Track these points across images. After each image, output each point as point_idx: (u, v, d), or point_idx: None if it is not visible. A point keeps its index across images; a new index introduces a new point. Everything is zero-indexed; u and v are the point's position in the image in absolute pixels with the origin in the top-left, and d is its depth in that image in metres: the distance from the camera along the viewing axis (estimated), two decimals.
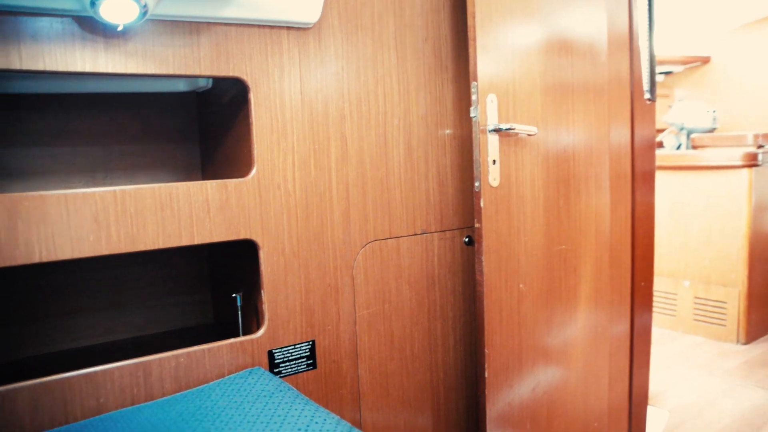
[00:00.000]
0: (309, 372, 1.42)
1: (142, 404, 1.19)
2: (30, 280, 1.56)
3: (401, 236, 1.54)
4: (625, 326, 2.03)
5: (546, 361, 1.66)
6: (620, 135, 1.91)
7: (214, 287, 1.79)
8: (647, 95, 1.94)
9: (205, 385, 1.25)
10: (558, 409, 1.72)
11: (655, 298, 3.59)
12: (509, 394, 1.56)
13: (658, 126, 3.99)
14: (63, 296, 1.61)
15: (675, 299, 3.53)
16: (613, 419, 2.04)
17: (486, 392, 1.49)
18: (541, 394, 1.66)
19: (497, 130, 1.43)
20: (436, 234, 1.59)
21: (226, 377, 1.28)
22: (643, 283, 2.05)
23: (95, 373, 1.16)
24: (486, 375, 1.48)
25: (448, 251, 1.62)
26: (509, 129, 1.43)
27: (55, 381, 1.12)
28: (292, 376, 1.40)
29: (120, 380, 1.19)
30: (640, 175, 1.98)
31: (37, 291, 1.57)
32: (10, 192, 1.29)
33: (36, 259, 1.09)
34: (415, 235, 1.56)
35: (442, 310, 1.63)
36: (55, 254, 1.11)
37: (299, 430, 1.00)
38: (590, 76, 1.70)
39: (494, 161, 1.45)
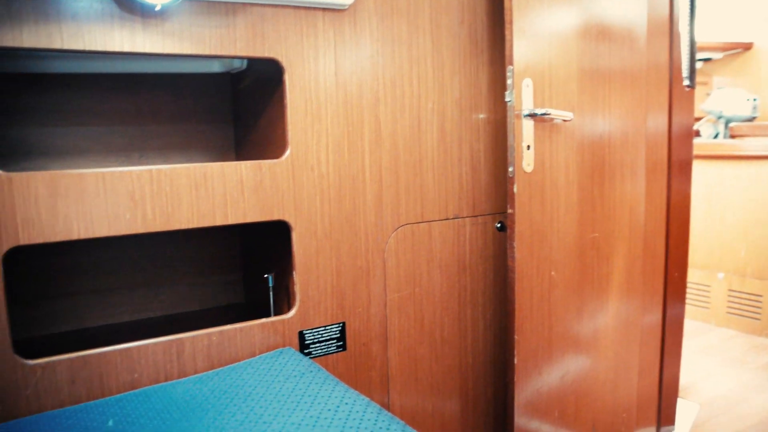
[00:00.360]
0: (339, 354, 1.42)
1: (176, 380, 1.20)
2: (69, 256, 1.58)
3: (433, 220, 1.53)
4: (656, 317, 2.01)
5: (576, 350, 1.65)
6: (657, 122, 1.88)
7: (245, 267, 1.79)
8: (686, 82, 1.91)
9: (237, 363, 1.26)
10: (586, 398, 1.71)
11: (687, 290, 3.54)
12: (538, 382, 1.55)
13: (695, 115, 3.90)
14: (100, 273, 1.63)
15: (708, 291, 3.47)
16: (642, 410, 2.02)
17: (515, 379, 1.48)
18: (569, 383, 1.65)
19: (532, 115, 1.42)
20: (468, 219, 1.58)
21: (258, 356, 1.28)
22: (676, 274, 2.02)
23: (131, 348, 1.18)
24: (515, 361, 1.48)
25: (479, 236, 1.61)
26: (544, 114, 1.41)
27: (93, 355, 1.14)
28: (322, 358, 1.40)
29: (154, 356, 1.20)
30: (677, 164, 1.95)
31: (75, 268, 1.59)
32: (49, 170, 1.31)
33: (75, 236, 1.11)
34: (447, 219, 1.55)
35: (473, 295, 1.62)
36: (93, 231, 1.12)
37: (329, 410, 1.00)
38: (628, 61, 1.67)
39: (528, 146, 1.43)
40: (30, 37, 1.05)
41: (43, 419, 1.04)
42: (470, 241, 1.60)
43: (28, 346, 1.46)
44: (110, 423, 1.01)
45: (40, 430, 0.99)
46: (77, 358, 1.13)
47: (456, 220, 1.56)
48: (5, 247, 1.06)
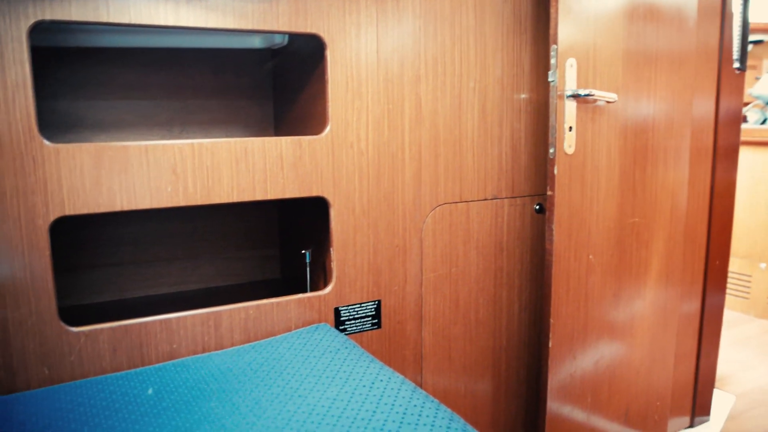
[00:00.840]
0: (373, 331, 1.42)
1: (213, 352, 1.21)
2: (111, 228, 1.60)
3: (472, 200, 1.52)
4: (695, 305, 1.98)
5: (611, 335, 1.63)
6: (704, 106, 1.84)
7: (282, 243, 1.80)
8: (736, 65, 1.85)
9: (273, 337, 1.27)
10: (620, 384, 1.69)
11: (728, 279, 3.46)
12: (572, 366, 1.54)
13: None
14: (141, 246, 1.64)
15: (749, 282, 3.40)
16: (677, 399, 2.01)
17: (548, 362, 1.48)
18: (603, 368, 1.63)
19: (575, 96, 1.40)
20: (506, 200, 1.57)
21: (293, 331, 1.29)
22: (717, 262, 1.98)
23: (170, 320, 1.19)
24: (550, 345, 1.47)
25: (517, 218, 1.60)
26: (588, 95, 1.39)
27: (133, 325, 1.16)
28: (357, 334, 1.41)
29: (192, 328, 1.22)
30: (723, 150, 1.91)
31: (117, 239, 1.61)
32: (94, 142, 1.34)
33: (117, 208, 1.12)
34: (486, 200, 1.53)
35: (509, 277, 1.61)
36: (135, 203, 1.13)
37: (364, 386, 1.00)
38: (676, 43, 1.64)
39: (570, 128, 1.41)
40: (78, 10, 1.06)
41: (86, 385, 1.06)
42: (508, 223, 1.58)
43: (72, 313, 1.49)
44: (150, 391, 1.03)
45: (84, 395, 1.02)
46: (119, 327, 1.15)
47: (495, 200, 1.55)
48: (52, 217, 1.08)
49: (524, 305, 1.66)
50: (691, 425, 2.11)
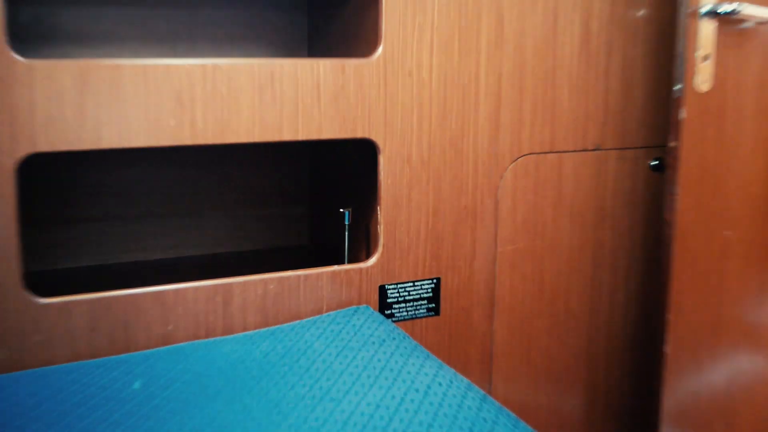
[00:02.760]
0: (429, 319, 1.43)
1: (220, 337, 1.22)
2: (95, 172, 1.61)
3: (566, 151, 1.51)
4: None
5: (753, 343, 1.61)
6: None
7: (314, 200, 1.81)
8: None
9: (298, 321, 1.27)
10: (764, 411, 1.67)
11: None
12: (696, 381, 1.53)
13: None
14: (132, 196, 1.65)
15: None
16: None
17: (664, 374, 1.47)
18: (741, 388, 1.61)
19: (714, 14, 1.37)
20: (613, 152, 1.56)
21: (325, 314, 1.30)
22: None
23: (164, 292, 1.20)
24: (666, 350, 1.46)
25: (627, 177, 1.59)
26: (732, 12, 1.36)
27: (117, 297, 1.17)
28: (408, 322, 1.42)
29: (194, 305, 1.22)
30: None
31: (102, 187, 1.62)
32: (78, 59, 1.32)
33: (105, 145, 1.13)
34: (585, 151, 1.53)
35: (613, 255, 1.61)
36: (128, 140, 1.14)
37: (416, 390, 0.99)
38: None
39: (706, 57, 1.39)
40: None
41: (56, 373, 1.06)
42: (614, 183, 1.58)
43: (41, 281, 1.50)
44: (136, 385, 1.03)
45: (53, 386, 1.01)
46: (99, 300, 1.15)
47: (597, 152, 1.55)
48: (21, 153, 1.08)
49: (632, 294, 1.65)
50: None
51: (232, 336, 1.23)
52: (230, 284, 1.25)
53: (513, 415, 0.97)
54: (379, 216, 1.37)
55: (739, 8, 1.36)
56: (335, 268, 1.33)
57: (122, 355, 1.14)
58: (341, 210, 1.49)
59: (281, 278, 1.29)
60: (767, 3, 1.45)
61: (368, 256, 1.41)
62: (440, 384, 1.02)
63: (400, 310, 1.41)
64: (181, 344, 1.19)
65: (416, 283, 1.41)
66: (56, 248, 1.60)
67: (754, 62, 1.48)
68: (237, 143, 1.23)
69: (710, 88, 1.42)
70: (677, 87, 1.39)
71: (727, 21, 1.41)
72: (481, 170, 1.44)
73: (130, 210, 1.66)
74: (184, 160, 1.70)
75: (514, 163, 1.47)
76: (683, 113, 1.39)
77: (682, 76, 1.38)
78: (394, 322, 1.40)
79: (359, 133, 1.32)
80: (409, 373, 1.05)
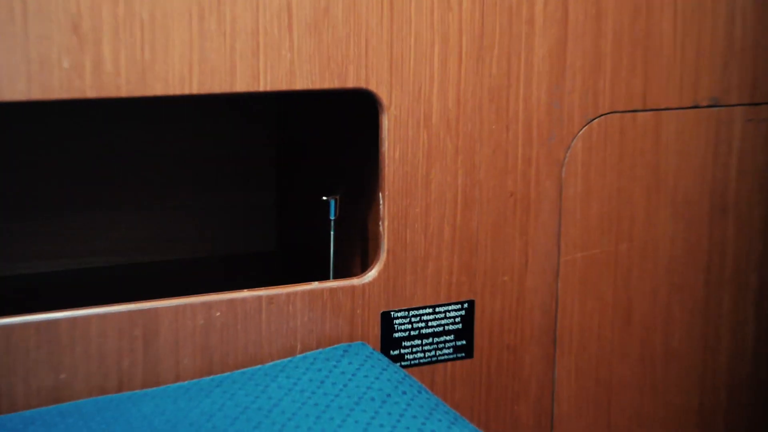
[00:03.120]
0: (458, 362, 1.29)
1: (139, 391, 1.09)
2: None
3: (666, 108, 1.37)
4: None
5: None
6: None
7: (282, 184, 1.72)
8: None
9: (259, 367, 1.13)
10: None
11: None
12: None
13: None
14: (13, 182, 1.58)
15: None
16: None
17: None
18: None
19: None
20: (737, 109, 1.42)
21: (300, 355, 1.16)
22: None
23: (56, 323, 1.05)
24: None
25: (759, 147, 1.46)
26: None
27: None
28: (425, 367, 1.27)
29: (101, 341, 1.08)
30: None
31: None
32: None
33: None
34: (697, 108, 1.40)
35: (736, 263, 1.49)
36: None
37: None
38: None
39: None
40: None
41: None
42: (739, 154, 1.45)
43: None
44: None
45: None
46: None
47: (714, 110, 1.43)
48: None
49: (765, 324, 1.56)
50: None
51: (157, 389, 1.08)
52: (156, 310, 1.10)
53: None
54: (381, 207, 1.22)
55: None
56: (315, 285, 1.18)
57: None
58: (324, 198, 1.36)
59: (233, 301, 1.14)
60: None
61: (365, 267, 1.28)
62: None
63: (414, 349, 1.25)
64: (80, 401, 1.05)
65: (438, 309, 1.25)
66: None
67: None
68: (165, 97, 1.08)
69: None
70: None
71: None
72: (537, 137, 1.28)
73: (7, 200, 1.59)
74: (85, 121, 1.60)
75: (587, 127, 1.32)
76: None
77: None
78: (403, 367, 1.25)
79: (351, 82, 1.16)
80: None
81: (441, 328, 1.26)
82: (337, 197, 1.33)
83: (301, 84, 1.14)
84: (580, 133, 1.31)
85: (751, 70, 1.43)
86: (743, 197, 1.47)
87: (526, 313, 1.31)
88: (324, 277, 1.30)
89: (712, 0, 1.38)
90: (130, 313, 1.09)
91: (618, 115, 1.32)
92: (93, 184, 1.60)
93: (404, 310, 1.24)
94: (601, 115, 1.31)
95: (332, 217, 1.32)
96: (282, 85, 1.13)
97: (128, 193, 1.63)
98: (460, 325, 1.27)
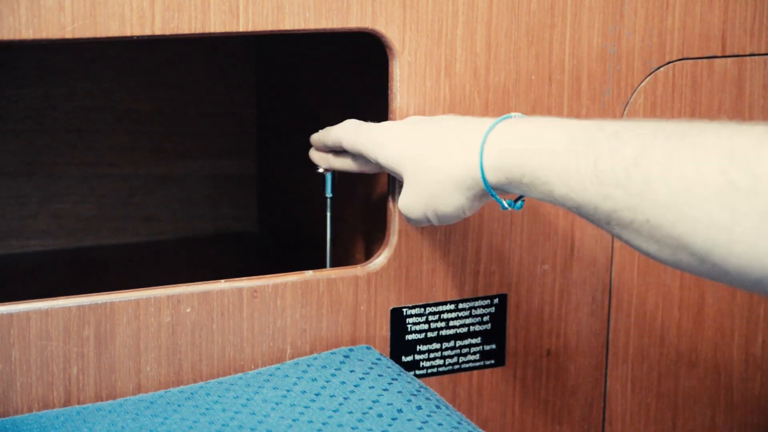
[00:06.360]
0: (486, 371, 1.20)
1: (87, 405, 1.05)
2: None
3: (749, 54, 1.29)
4: None
5: None
6: None
7: (265, 151, 1.67)
8: None
9: (239, 375, 1.11)
10: None
11: None
12: None
13: None
14: None
15: None
16: None
17: None
18: None
19: None
20: None
21: (290, 361, 1.14)
22: None
23: None
24: None
25: None
26: None
27: None
28: (445, 377, 1.19)
29: (41, 342, 1.06)
30: None
31: None
32: None
33: None
34: None
35: None
36: None
37: None
38: None
39: None
40: None
41: None
42: None
43: None
44: None
45: None
46: None
47: None
48: None
49: None
50: None
51: (114, 402, 1.05)
52: (111, 305, 1.06)
53: None
54: (390, 179, 1.15)
55: None
56: (309, 274, 1.11)
57: None
58: (319, 170, 1.26)
59: (207, 294, 1.08)
60: None
61: (370, 253, 1.21)
62: None
63: (431, 355, 1.17)
64: (16, 418, 1.03)
65: (461, 306, 1.16)
66: None
67: None
68: (121, 39, 1.03)
69: None
70: None
71: None
72: (587, 91, 1.19)
73: None
74: (22, 74, 1.56)
75: (651, 77, 1.22)
76: None
77: None
78: (418, 376, 1.16)
79: (354, 22, 1.09)
80: None
81: (465, 329, 1.17)
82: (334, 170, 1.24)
83: (290, 23, 1.07)
84: (642, 85, 1.22)
85: None
86: None
87: (571, 311, 1.22)
88: (319, 264, 1.20)
89: None
90: (79, 308, 1.04)
91: (690, 62, 1.23)
92: (27, 149, 1.61)
93: (419, 306, 1.15)
94: (669, 62, 1.22)
95: (329, 195, 1.23)
96: (267, 25, 1.07)
97: (72, 159, 1.62)
98: (488, 326, 1.18)
